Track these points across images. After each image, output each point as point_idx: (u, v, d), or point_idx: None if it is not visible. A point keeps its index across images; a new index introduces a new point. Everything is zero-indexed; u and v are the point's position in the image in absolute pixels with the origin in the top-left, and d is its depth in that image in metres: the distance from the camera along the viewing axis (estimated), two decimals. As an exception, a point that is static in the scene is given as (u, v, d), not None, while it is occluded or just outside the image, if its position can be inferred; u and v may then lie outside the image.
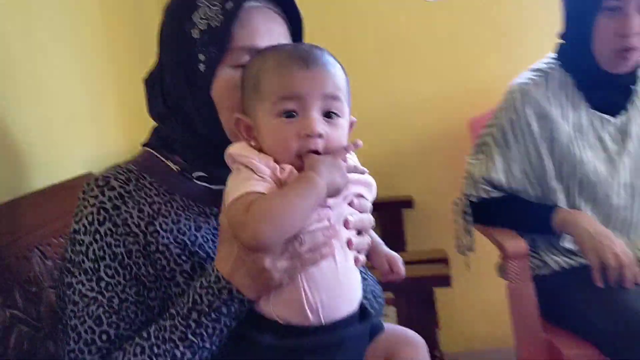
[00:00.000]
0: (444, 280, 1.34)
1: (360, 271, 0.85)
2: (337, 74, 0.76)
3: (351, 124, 0.79)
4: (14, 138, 1.12)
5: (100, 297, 0.77)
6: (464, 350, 2.15)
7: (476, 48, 2.10)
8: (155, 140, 0.89)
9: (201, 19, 0.81)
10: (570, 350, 1.39)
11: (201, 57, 0.80)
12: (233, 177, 0.74)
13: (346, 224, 0.75)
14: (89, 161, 1.38)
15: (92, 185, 0.81)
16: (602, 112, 1.47)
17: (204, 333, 0.73)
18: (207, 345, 0.74)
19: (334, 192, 0.72)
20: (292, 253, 0.71)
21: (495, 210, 1.52)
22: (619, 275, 1.34)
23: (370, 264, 0.86)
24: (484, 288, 2.04)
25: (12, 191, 1.07)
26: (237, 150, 0.75)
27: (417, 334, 0.86)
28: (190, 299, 0.75)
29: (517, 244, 1.47)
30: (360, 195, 0.79)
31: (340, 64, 0.79)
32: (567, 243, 1.47)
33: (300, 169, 0.72)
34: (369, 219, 0.79)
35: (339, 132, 0.75)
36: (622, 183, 1.46)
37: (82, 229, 0.79)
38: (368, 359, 0.82)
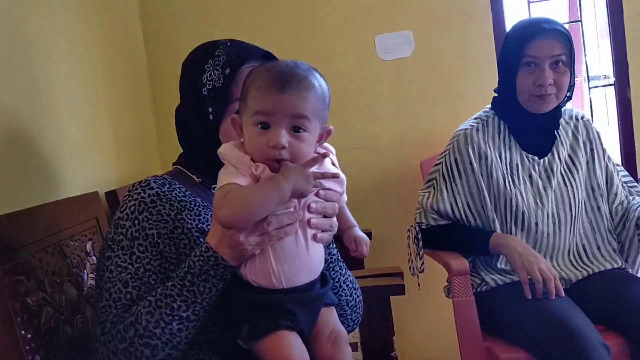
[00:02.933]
0: (399, 289, 1.55)
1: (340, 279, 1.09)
2: (308, 98, 0.91)
3: (328, 133, 0.97)
4: (37, 159, 1.32)
5: (130, 267, 0.99)
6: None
7: (426, 99, 2.39)
8: (183, 162, 1.15)
9: (207, 80, 1.06)
10: (506, 355, 1.61)
11: (210, 109, 1.06)
12: (222, 170, 0.93)
13: (309, 208, 0.94)
14: (91, 186, 1.57)
15: (137, 185, 1.06)
16: (531, 153, 1.74)
17: (196, 290, 0.93)
18: (199, 300, 0.93)
19: (299, 195, 0.90)
20: (261, 231, 0.90)
21: (442, 236, 1.77)
22: (544, 288, 1.59)
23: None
24: (433, 309, 2.28)
25: (32, 200, 1.25)
26: (225, 149, 0.94)
27: (344, 329, 1.02)
28: (186, 265, 0.95)
29: (460, 263, 1.70)
30: (329, 189, 0.97)
31: (323, 80, 0.95)
32: (502, 264, 1.72)
33: (275, 170, 0.90)
34: (332, 206, 0.96)
35: (303, 144, 0.91)
36: (548, 214, 1.71)
37: (125, 216, 1.02)
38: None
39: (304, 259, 0.94)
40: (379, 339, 1.52)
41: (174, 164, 1.18)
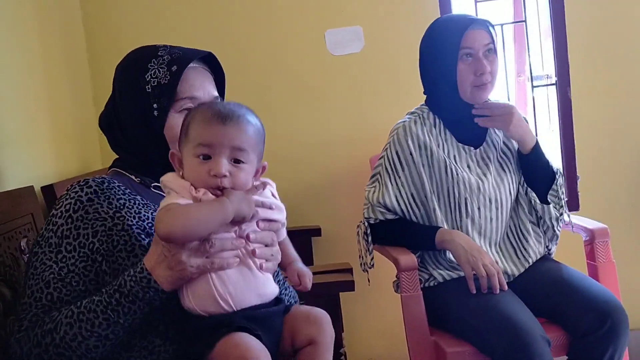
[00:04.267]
0: (349, 286, 1.55)
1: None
2: (246, 131, 0.96)
3: (263, 168, 1.01)
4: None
5: (54, 265, 0.97)
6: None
7: (376, 95, 2.39)
8: (120, 163, 1.13)
9: (152, 78, 1.06)
10: (452, 348, 1.63)
11: (155, 105, 1.06)
12: (165, 198, 0.95)
13: (247, 237, 0.95)
14: (27, 180, 1.49)
15: (75, 184, 1.04)
16: (467, 145, 1.78)
17: (120, 311, 0.91)
18: (121, 321, 0.93)
19: (241, 219, 0.92)
20: (203, 252, 0.90)
21: (390, 231, 1.78)
22: (488, 283, 1.62)
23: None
24: (382, 305, 2.29)
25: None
26: (167, 178, 0.96)
27: (322, 310, 1.04)
28: (118, 282, 0.93)
29: (408, 258, 1.71)
30: (270, 220, 0.99)
31: (258, 120, 1.00)
32: (450, 259, 1.74)
33: (214, 194, 0.92)
34: (270, 235, 0.99)
35: (243, 174, 0.95)
36: (490, 199, 1.75)
37: (59, 214, 1.01)
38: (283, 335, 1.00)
39: (251, 281, 0.95)
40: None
41: (109, 168, 1.15)
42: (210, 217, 0.89)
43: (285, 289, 1.16)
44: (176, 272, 0.90)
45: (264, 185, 0.99)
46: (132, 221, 1.02)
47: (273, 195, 1.02)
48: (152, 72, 1.06)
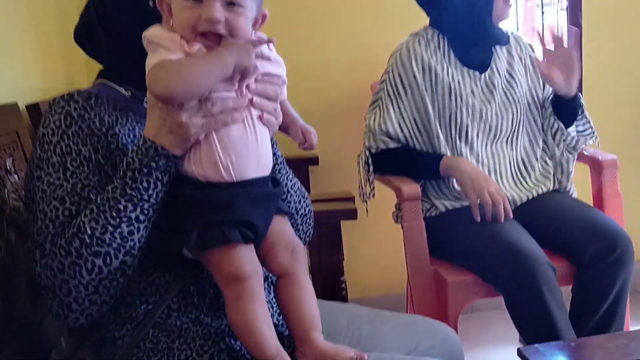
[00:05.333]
0: (351, 214, 1.50)
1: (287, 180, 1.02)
2: None
3: (263, 17, 0.90)
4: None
5: (65, 183, 0.88)
6: (359, 296, 2.35)
7: (381, 18, 2.27)
8: (107, 74, 1.02)
9: None
10: (453, 277, 1.62)
11: None
12: (150, 56, 0.84)
13: (249, 88, 0.87)
14: (13, 92, 1.39)
15: (59, 99, 0.93)
16: (471, 69, 1.71)
17: (140, 186, 0.84)
18: (145, 197, 0.85)
19: (241, 71, 0.83)
20: (205, 112, 0.83)
21: (392, 161, 1.72)
22: (493, 211, 1.57)
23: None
24: (380, 236, 2.26)
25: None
26: (152, 32, 0.85)
27: (300, 243, 0.96)
28: (125, 162, 0.86)
29: (411, 188, 1.67)
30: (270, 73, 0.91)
31: None
32: (453, 188, 1.69)
33: (209, 49, 0.83)
34: (273, 88, 0.90)
35: (241, 19, 0.84)
36: (491, 126, 1.70)
37: (50, 131, 0.91)
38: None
39: (252, 146, 0.88)
40: (329, 263, 1.48)
41: (95, 79, 1.04)
42: (210, 70, 0.81)
43: (290, 190, 1.08)
44: (179, 135, 0.83)
45: (269, 39, 0.89)
46: (126, 139, 0.94)
47: (269, 49, 0.92)
48: None
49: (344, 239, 1.72)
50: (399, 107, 1.69)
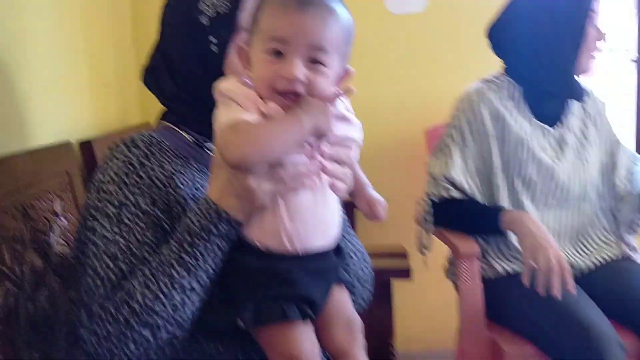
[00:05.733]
0: (405, 273, 1.40)
1: (351, 250, 0.92)
2: (331, 25, 0.78)
3: (347, 73, 0.83)
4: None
5: (119, 238, 0.83)
6: (404, 350, 2.23)
7: (436, 61, 2.20)
8: (170, 117, 0.97)
9: (208, 7, 0.91)
10: (511, 346, 1.49)
11: (213, 40, 0.91)
12: (220, 108, 0.78)
13: (321, 152, 0.80)
14: (65, 130, 1.36)
15: (120, 144, 0.89)
16: (542, 122, 1.61)
17: (197, 253, 0.78)
18: (202, 265, 0.79)
19: (318, 133, 0.78)
20: (275, 177, 0.77)
21: (452, 211, 1.61)
22: (547, 280, 1.38)
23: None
24: (429, 290, 2.15)
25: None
26: (225, 85, 0.79)
27: (358, 317, 0.89)
28: (183, 224, 0.80)
29: (469, 245, 1.57)
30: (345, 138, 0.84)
31: (348, 13, 0.81)
32: (514, 248, 1.58)
33: (285, 108, 0.77)
34: (346, 152, 0.84)
35: (321, 79, 0.78)
36: (558, 185, 1.59)
37: (109, 179, 0.86)
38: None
39: (320, 216, 0.81)
40: (379, 325, 1.38)
41: (159, 119, 1.00)
42: (288, 136, 0.75)
43: (351, 254, 1.00)
44: (246, 201, 0.78)
45: (347, 90, 0.83)
46: (186, 191, 0.88)
47: (347, 109, 0.86)
48: (208, 0, 0.91)
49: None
50: (464, 154, 1.60)
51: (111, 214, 0.84)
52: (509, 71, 1.65)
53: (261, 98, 0.78)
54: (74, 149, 1.32)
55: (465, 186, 1.59)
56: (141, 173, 0.86)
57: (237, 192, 0.78)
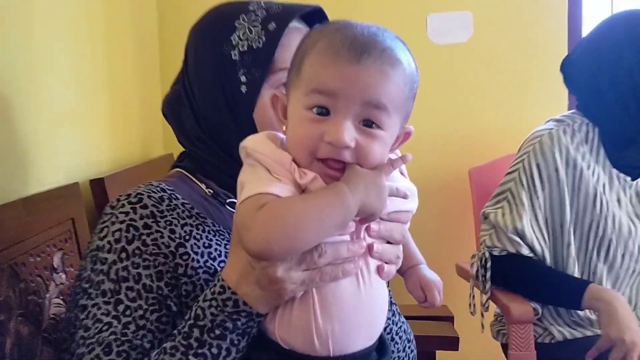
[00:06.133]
0: (452, 343, 1.22)
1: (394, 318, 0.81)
2: (392, 77, 0.62)
3: (407, 135, 0.68)
4: (4, 138, 0.98)
5: (115, 322, 0.68)
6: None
7: (480, 95, 2.05)
8: (188, 163, 0.83)
9: (241, 40, 0.77)
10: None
11: (243, 78, 0.77)
12: (246, 172, 0.63)
13: (368, 231, 0.64)
14: (75, 170, 1.23)
15: (123, 201, 0.75)
16: (622, 172, 1.41)
17: (207, 353, 0.63)
18: None
19: (367, 215, 0.61)
20: (309, 264, 0.61)
21: (517, 271, 1.40)
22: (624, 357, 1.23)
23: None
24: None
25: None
26: (253, 143, 0.64)
27: None
28: (193, 314, 0.65)
29: (524, 308, 1.37)
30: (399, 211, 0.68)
31: (413, 60, 0.66)
32: (575, 315, 1.40)
33: (326, 178, 0.62)
34: (400, 229, 0.68)
35: (376, 145, 0.62)
36: (637, 248, 1.39)
37: (107, 246, 0.72)
38: None
39: (363, 310, 0.65)
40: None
41: (173, 165, 0.86)
42: (326, 220, 0.59)
43: (395, 337, 0.85)
44: (270, 293, 0.62)
45: (403, 158, 0.66)
46: (198, 261, 0.73)
47: (401, 173, 0.71)
48: (241, 32, 0.77)
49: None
50: (532, 204, 1.40)
51: (107, 291, 0.70)
52: (585, 110, 1.45)
53: (297, 164, 0.62)
54: (81, 191, 1.19)
55: (536, 243, 1.39)
56: (146, 239, 0.72)
57: (259, 280, 0.62)
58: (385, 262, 0.67)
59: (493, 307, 1.49)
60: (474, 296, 1.45)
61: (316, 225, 0.58)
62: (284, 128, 0.66)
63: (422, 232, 1.96)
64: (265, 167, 0.62)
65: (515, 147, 1.51)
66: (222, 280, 0.65)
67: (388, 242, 0.67)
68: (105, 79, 1.46)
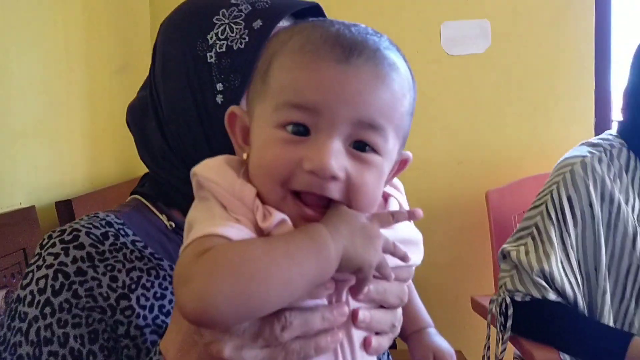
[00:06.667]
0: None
1: None
2: (389, 84, 0.48)
3: (403, 163, 0.53)
4: None
5: None
6: None
7: (499, 110, 1.92)
8: (148, 189, 0.69)
9: (219, 39, 0.63)
10: None
11: (219, 86, 0.63)
12: (197, 209, 0.49)
13: (353, 293, 0.48)
14: (35, 191, 1.09)
15: (55, 239, 0.60)
16: None
17: None
18: None
19: (353, 270, 0.45)
20: (269, 339, 0.45)
21: (545, 319, 1.23)
22: None
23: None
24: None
25: None
26: (207, 170, 0.49)
27: None
28: None
29: (548, 356, 1.20)
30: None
31: (407, 65, 0.51)
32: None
33: (300, 220, 0.47)
34: (399, 290, 0.52)
35: (370, 175, 0.48)
36: None
37: (29, 297, 0.58)
38: None
39: None
40: None
41: (132, 191, 0.71)
42: (296, 277, 0.43)
43: None
44: None
45: (412, 213, 0.51)
46: (146, 317, 0.58)
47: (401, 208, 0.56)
48: (220, 30, 0.63)
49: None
50: (563, 242, 1.23)
51: (24, 356, 0.56)
52: (625, 133, 1.28)
53: (263, 201, 0.47)
54: (41, 215, 1.04)
55: (567, 288, 1.20)
56: (78, 289, 0.57)
57: (201, 356, 0.47)
58: (376, 333, 0.50)
59: (511, 351, 1.32)
60: (489, 347, 1.27)
61: (281, 279, 0.42)
62: (245, 156, 0.50)
63: (433, 262, 1.84)
64: (220, 203, 0.47)
65: (536, 167, 1.36)
66: (159, 353, 0.50)
67: (381, 306, 0.51)
68: (82, 88, 1.32)
